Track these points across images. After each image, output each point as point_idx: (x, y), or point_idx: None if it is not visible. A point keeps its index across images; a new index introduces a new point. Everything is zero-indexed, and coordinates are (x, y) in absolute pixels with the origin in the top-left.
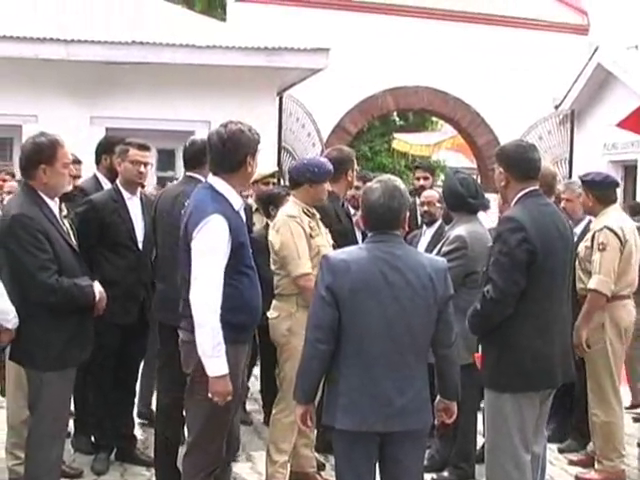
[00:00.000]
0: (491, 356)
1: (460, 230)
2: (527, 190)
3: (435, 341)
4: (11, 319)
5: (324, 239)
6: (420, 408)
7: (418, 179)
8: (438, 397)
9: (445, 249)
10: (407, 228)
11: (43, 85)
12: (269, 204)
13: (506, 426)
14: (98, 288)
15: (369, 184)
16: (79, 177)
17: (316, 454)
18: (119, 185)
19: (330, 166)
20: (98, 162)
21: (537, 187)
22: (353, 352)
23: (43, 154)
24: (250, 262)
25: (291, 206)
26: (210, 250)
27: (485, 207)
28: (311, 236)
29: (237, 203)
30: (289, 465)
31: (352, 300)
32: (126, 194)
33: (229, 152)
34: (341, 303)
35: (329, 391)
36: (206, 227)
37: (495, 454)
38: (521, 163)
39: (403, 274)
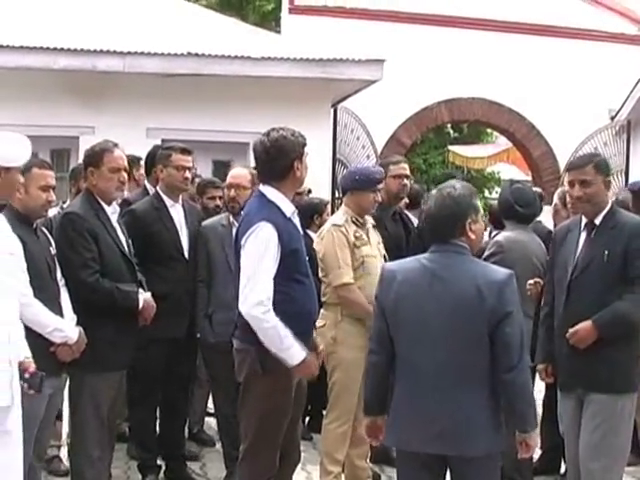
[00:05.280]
0: (624, 358)
1: (500, 236)
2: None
3: (493, 364)
4: (51, 332)
5: (373, 249)
6: (474, 433)
7: None
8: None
9: (485, 254)
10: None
11: (100, 97)
12: (312, 213)
13: (623, 432)
14: (144, 297)
15: (430, 193)
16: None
17: (371, 465)
18: (160, 192)
19: (376, 175)
20: (148, 174)
21: None
22: (399, 366)
23: (91, 158)
24: (305, 269)
25: (339, 214)
26: (258, 256)
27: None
28: (355, 246)
29: (289, 210)
30: (343, 476)
31: (395, 311)
32: (168, 201)
33: (275, 160)
34: (386, 314)
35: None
36: (253, 234)
37: (613, 464)
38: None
39: (447, 284)
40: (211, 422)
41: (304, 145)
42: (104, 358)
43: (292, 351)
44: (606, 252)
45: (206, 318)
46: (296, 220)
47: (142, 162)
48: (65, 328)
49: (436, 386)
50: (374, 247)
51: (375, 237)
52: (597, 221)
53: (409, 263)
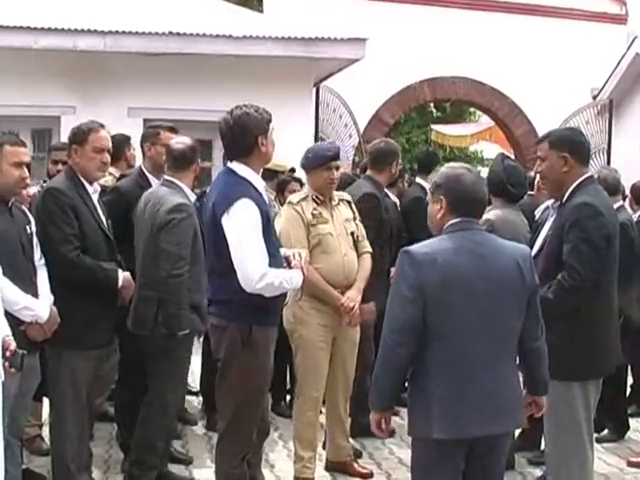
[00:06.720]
0: (561, 345)
1: (490, 214)
2: (587, 175)
3: (523, 334)
4: (19, 310)
5: (336, 226)
6: (515, 408)
7: None
8: (524, 391)
9: None
10: None
11: (81, 77)
12: (278, 191)
13: (576, 418)
14: (124, 276)
15: (452, 171)
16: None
17: (352, 441)
18: (145, 171)
19: (327, 153)
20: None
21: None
22: (445, 353)
23: (76, 136)
24: (276, 243)
25: (301, 192)
26: (247, 232)
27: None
28: (312, 224)
29: (259, 185)
30: (324, 454)
31: (442, 295)
32: (153, 180)
33: (238, 137)
34: (429, 300)
35: (416, 398)
36: (234, 212)
37: (563, 450)
38: (584, 147)
39: (489, 262)
40: (192, 400)
41: (269, 121)
42: (82, 336)
43: (295, 281)
44: (550, 233)
45: (191, 309)
46: (266, 196)
47: (131, 141)
48: (35, 307)
49: (487, 367)
50: (338, 224)
51: (345, 213)
52: (564, 199)
53: (440, 244)
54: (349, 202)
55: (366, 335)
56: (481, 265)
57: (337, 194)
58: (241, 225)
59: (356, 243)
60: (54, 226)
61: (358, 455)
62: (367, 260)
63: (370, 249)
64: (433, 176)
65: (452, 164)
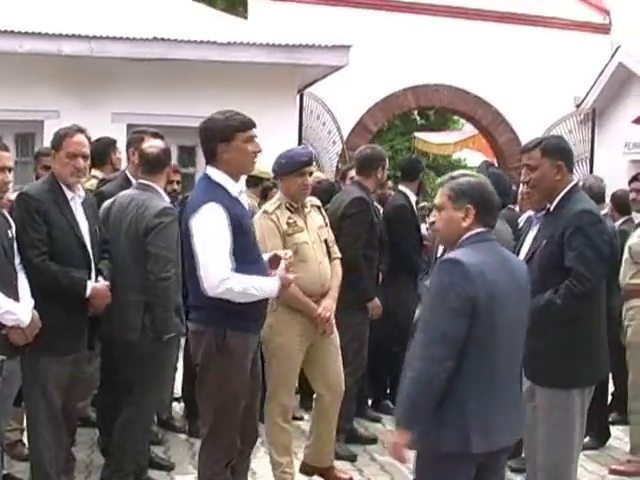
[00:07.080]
0: (563, 352)
1: None
2: (574, 183)
3: None
4: (1, 314)
5: (310, 234)
6: (522, 417)
7: None
8: None
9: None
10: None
11: (65, 81)
12: (262, 198)
13: (572, 425)
14: (96, 286)
15: (476, 179)
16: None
17: (346, 446)
18: (129, 175)
19: (302, 158)
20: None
21: None
22: (482, 366)
23: (54, 141)
24: (257, 249)
25: (273, 200)
26: (210, 235)
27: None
28: (288, 233)
29: (234, 189)
30: (294, 463)
31: (488, 307)
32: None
33: (203, 142)
34: (478, 311)
35: (447, 412)
36: (201, 215)
37: (559, 455)
38: (572, 155)
39: (513, 275)
40: (174, 407)
41: (238, 129)
42: (52, 342)
43: (268, 289)
44: (544, 241)
45: (173, 313)
46: (243, 199)
47: (117, 145)
48: (17, 311)
49: (512, 378)
50: (312, 232)
51: (317, 220)
52: (552, 207)
53: (481, 255)
54: (319, 207)
55: (353, 336)
56: (509, 279)
57: (308, 199)
58: (206, 228)
59: (328, 249)
60: (23, 231)
61: (352, 459)
62: (339, 267)
63: (340, 255)
64: (450, 183)
65: (463, 171)
